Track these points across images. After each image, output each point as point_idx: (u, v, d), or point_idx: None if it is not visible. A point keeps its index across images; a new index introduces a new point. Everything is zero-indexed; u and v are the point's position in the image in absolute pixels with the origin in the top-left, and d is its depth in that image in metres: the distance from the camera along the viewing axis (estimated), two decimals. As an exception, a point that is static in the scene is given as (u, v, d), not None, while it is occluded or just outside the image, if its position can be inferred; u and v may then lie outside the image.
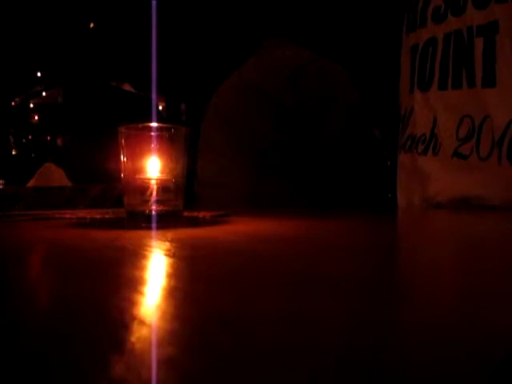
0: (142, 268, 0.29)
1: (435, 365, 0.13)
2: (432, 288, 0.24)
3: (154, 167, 0.54)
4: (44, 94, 3.93)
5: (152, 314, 0.19)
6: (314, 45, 1.22)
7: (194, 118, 1.82)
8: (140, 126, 0.55)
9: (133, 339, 0.15)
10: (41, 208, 0.92)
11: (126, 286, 0.24)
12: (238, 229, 0.55)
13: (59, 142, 3.73)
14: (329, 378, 0.13)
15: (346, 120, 1.14)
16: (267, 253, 0.36)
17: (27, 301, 0.22)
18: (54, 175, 1.47)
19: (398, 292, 0.23)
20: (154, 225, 0.52)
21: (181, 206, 0.56)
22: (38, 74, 3.76)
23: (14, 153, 3.78)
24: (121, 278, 0.26)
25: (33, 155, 3.70)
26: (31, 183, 1.46)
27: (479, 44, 0.81)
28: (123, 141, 0.54)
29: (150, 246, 0.38)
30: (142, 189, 0.53)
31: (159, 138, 0.55)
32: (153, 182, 0.54)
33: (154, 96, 2.00)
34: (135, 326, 0.17)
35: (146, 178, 0.54)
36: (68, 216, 0.66)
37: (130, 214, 0.54)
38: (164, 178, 0.54)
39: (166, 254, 0.34)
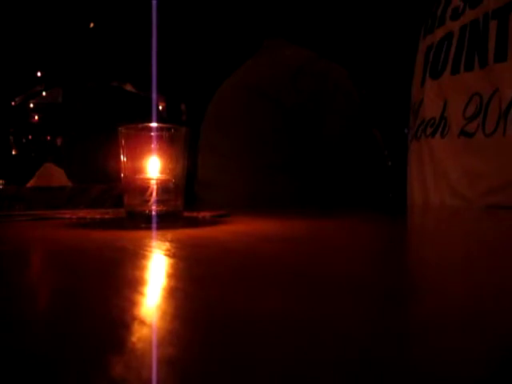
0: (142, 268, 0.29)
1: (440, 365, 0.13)
2: (436, 287, 0.24)
3: (153, 167, 0.54)
4: (44, 93, 3.93)
5: (152, 314, 0.19)
6: (314, 45, 1.22)
7: (194, 118, 1.82)
8: (140, 126, 0.55)
9: (133, 339, 0.15)
10: (41, 208, 0.92)
11: (126, 286, 0.24)
12: (238, 229, 0.55)
13: (59, 141, 3.73)
14: (330, 378, 0.13)
15: (346, 120, 1.14)
16: (268, 253, 0.36)
17: (27, 301, 0.22)
18: (54, 175, 1.47)
19: (402, 292, 0.23)
20: (153, 225, 0.52)
21: (181, 206, 0.56)
22: (38, 74, 3.76)
23: (14, 153, 3.78)
24: (121, 278, 0.26)
25: (33, 155, 3.70)
26: (31, 183, 1.46)
27: (493, 26, 0.82)
28: (123, 141, 0.54)
29: (149, 247, 0.38)
30: (142, 189, 0.53)
31: (159, 138, 0.54)
32: (153, 182, 0.54)
33: (154, 96, 2.00)
34: (136, 326, 0.17)
35: (145, 178, 0.54)
36: (68, 216, 0.66)
37: (130, 214, 0.54)
38: (164, 178, 0.54)
39: (166, 254, 0.34)
